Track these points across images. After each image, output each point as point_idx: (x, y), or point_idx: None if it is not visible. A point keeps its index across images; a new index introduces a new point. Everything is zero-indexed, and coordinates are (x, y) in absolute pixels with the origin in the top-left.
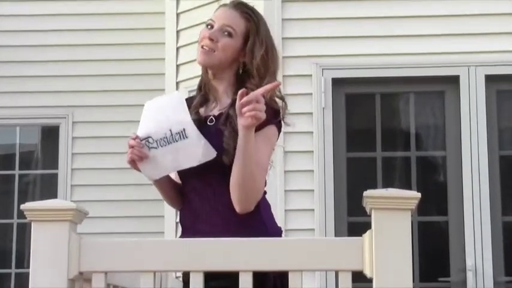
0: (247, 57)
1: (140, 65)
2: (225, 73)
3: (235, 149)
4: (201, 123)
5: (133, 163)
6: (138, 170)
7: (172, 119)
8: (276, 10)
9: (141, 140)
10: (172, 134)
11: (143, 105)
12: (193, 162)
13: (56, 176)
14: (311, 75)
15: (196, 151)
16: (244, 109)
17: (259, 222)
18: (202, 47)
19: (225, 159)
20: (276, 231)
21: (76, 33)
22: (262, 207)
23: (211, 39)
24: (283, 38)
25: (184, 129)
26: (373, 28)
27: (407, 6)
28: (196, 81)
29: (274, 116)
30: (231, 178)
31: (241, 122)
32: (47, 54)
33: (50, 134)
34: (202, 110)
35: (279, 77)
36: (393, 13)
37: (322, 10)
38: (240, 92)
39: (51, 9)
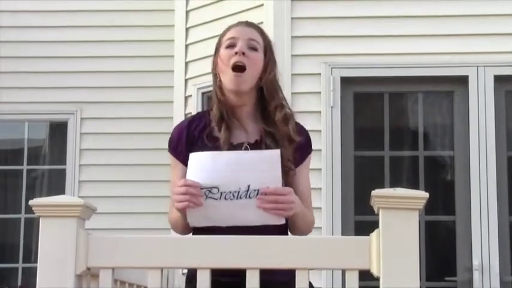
0: (266, 73)
1: (149, 61)
2: (249, 94)
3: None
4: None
5: (183, 208)
6: (184, 214)
7: (259, 174)
8: (286, 9)
9: (202, 188)
10: (248, 190)
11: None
12: (253, 223)
13: (63, 171)
14: (320, 74)
15: (268, 213)
16: (270, 207)
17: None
18: (235, 67)
19: None
20: None
21: (85, 30)
22: None
23: (243, 53)
24: (292, 37)
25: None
26: (382, 27)
27: (416, 6)
28: (204, 78)
29: (307, 143)
30: (290, 227)
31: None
32: (56, 50)
33: (58, 130)
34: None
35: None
36: (402, 13)
37: (331, 9)
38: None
39: (59, 6)
